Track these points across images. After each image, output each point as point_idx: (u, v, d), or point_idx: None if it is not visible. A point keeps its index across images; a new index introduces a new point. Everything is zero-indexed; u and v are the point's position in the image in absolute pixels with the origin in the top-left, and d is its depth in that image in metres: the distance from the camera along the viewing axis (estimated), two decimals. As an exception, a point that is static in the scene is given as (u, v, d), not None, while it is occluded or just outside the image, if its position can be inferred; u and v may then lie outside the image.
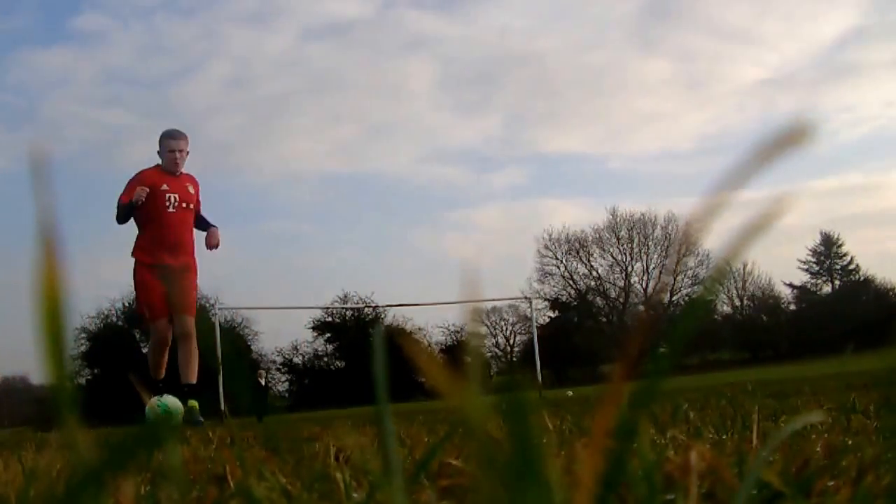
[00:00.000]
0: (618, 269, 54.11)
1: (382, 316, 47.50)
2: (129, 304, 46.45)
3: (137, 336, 46.75)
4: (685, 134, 72.73)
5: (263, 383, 25.89)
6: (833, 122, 68.55)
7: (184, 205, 6.97)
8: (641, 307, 50.40)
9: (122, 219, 6.74)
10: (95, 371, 44.47)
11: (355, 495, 0.73)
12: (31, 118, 67.57)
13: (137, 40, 69.01)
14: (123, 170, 68.41)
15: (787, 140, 0.34)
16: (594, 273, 54.52)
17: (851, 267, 55.98)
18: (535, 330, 25.62)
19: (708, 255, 47.95)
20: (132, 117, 68.90)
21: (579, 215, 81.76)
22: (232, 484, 0.86)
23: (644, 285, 53.05)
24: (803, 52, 70.99)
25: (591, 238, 54.43)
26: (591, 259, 54.35)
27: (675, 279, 50.43)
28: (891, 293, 52.83)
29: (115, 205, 6.72)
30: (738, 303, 55.11)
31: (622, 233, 54.01)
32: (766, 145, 0.35)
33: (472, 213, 73.30)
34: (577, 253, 54.34)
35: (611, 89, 71.30)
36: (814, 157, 64.96)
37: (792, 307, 56.25)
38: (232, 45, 70.12)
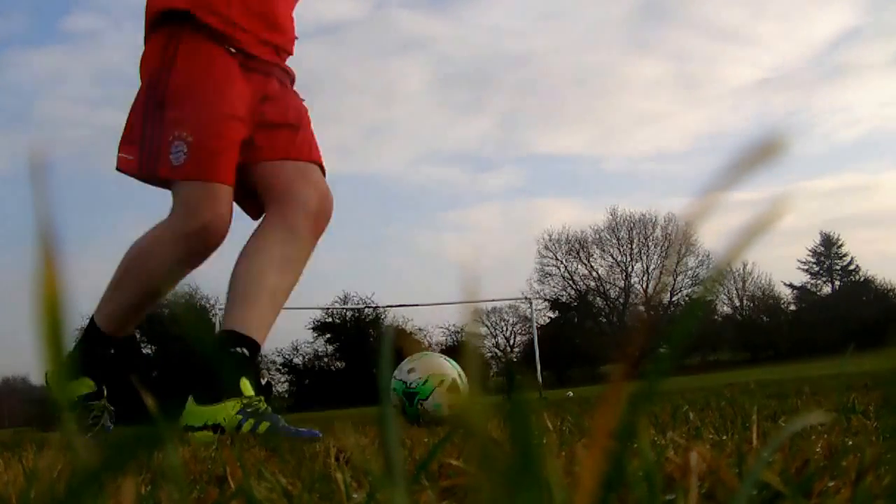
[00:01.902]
0: (618, 270, 54.12)
1: (383, 316, 47.52)
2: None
3: (137, 336, 46.70)
4: (681, 134, 72.79)
5: (264, 383, 25.90)
6: (829, 123, 68.71)
7: None
8: (641, 308, 50.42)
9: None
10: (95, 371, 44.39)
11: (356, 496, 0.73)
12: (25, 119, 67.70)
13: (130, 40, 69.03)
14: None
15: (763, 150, 0.35)
16: (594, 274, 54.53)
17: (851, 267, 56.00)
18: (535, 330, 25.63)
19: (708, 256, 48.06)
20: (127, 118, 68.78)
21: (576, 216, 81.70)
22: (232, 484, 0.86)
23: (644, 286, 53.04)
24: (798, 53, 71.18)
25: (591, 238, 54.44)
26: (591, 260, 54.36)
27: (674, 279, 50.45)
28: (891, 294, 52.82)
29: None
30: (738, 303, 55.11)
31: (622, 233, 54.03)
32: (744, 155, 0.35)
33: (468, 213, 73.40)
34: (578, 254, 54.34)
35: (606, 90, 71.37)
36: (810, 157, 65.11)
37: (792, 308, 56.25)
38: (224, 46, 70.07)
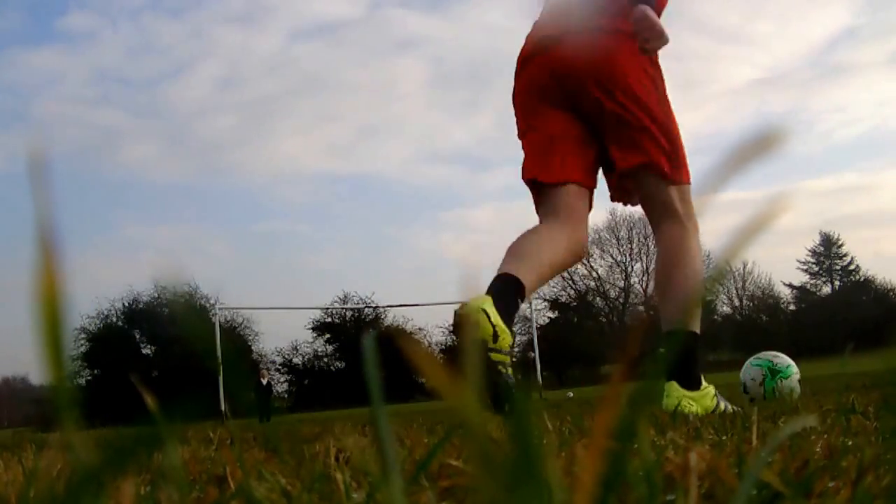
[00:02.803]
0: (618, 270, 54.14)
1: (382, 316, 47.49)
2: (128, 304, 46.37)
3: (137, 336, 46.68)
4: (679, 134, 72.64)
5: (265, 383, 25.85)
6: (827, 122, 68.65)
7: None
8: (641, 308, 50.43)
9: None
10: (96, 372, 44.39)
11: (355, 496, 0.73)
12: (21, 118, 67.55)
13: (126, 40, 68.96)
14: (117, 170, 68.07)
15: (760, 145, 0.35)
16: (594, 274, 54.53)
17: (851, 267, 55.99)
18: (535, 331, 25.65)
19: (708, 256, 47.96)
20: (124, 117, 68.72)
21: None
22: (232, 484, 0.86)
23: (644, 286, 53.04)
24: (796, 53, 71.19)
25: (590, 238, 54.38)
26: (590, 260, 54.34)
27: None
28: (891, 294, 52.81)
29: None
30: (737, 303, 55.11)
31: (622, 233, 54.05)
32: (740, 150, 0.35)
33: (468, 213, 73.32)
34: (577, 253, 54.24)
35: (604, 89, 71.02)
36: (808, 157, 65.06)
37: (791, 307, 56.24)
38: (221, 46, 69.99)
